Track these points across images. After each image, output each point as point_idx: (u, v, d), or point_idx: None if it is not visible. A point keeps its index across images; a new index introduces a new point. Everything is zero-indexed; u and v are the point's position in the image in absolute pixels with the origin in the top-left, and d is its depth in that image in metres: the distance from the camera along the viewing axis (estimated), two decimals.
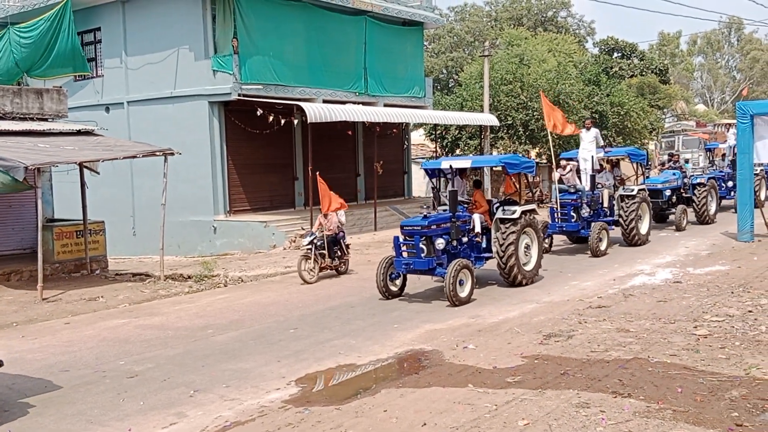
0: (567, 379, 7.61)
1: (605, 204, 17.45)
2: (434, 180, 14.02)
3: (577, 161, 18.37)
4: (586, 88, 34.35)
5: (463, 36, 55.55)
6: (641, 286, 12.62)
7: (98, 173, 17.40)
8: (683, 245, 17.44)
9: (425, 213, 12.29)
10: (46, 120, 16.86)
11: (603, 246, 16.09)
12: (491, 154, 28.85)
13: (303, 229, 19.85)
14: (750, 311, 10.29)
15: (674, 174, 21.42)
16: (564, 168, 18.07)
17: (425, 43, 37.03)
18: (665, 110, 50.87)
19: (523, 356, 8.58)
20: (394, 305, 11.88)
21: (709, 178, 21.79)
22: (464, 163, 13.64)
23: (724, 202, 23.71)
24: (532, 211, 13.25)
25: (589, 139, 18.05)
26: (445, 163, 13.58)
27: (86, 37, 24.01)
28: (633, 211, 17.03)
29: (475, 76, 33.52)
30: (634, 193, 17.32)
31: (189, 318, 11.85)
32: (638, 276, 13.67)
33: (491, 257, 12.95)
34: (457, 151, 32.89)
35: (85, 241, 16.72)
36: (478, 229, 12.89)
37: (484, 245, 13.11)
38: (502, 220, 12.60)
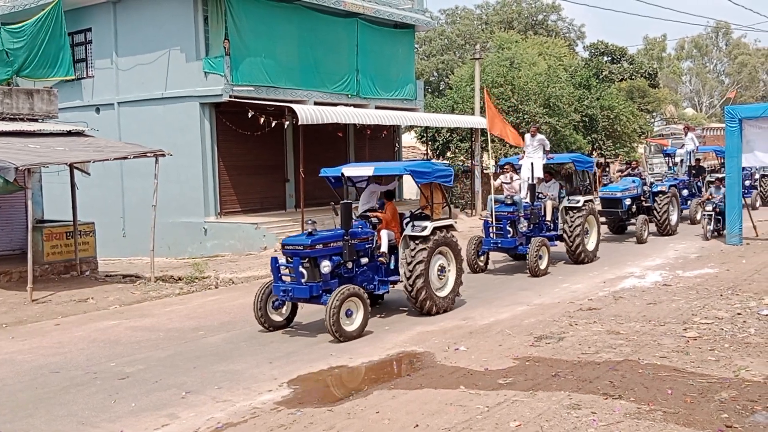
0: (558, 381, 7.65)
1: (548, 217, 15.74)
2: (339, 190, 12.39)
3: (519, 169, 16.52)
4: (576, 92, 34.51)
5: (453, 39, 55.67)
6: (631, 289, 12.70)
7: (89, 174, 17.32)
8: (672, 248, 17.58)
9: (310, 229, 10.31)
10: (36, 120, 16.79)
11: (543, 264, 14.40)
12: (482, 156, 28.90)
13: (291, 232, 19.84)
14: (739, 314, 10.39)
15: (634, 182, 20.06)
16: (506, 175, 16.05)
17: (416, 45, 37.07)
18: (654, 114, 51.17)
19: (515, 358, 8.62)
20: (385, 306, 11.89)
21: (670, 186, 20.72)
22: (365, 171, 11.79)
23: (684, 212, 22.42)
24: (449, 227, 11.57)
25: (534, 146, 16.33)
26: (346, 171, 11.84)
27: (77, 37, 23.91)
28: (578, 225, 15.30)
29: (466, 79, 33.61)
30: (579, 204, 15.56)
31: (180, 319, 11.83)
32: (628, 278, 13.76)
33: (400, 281, 11.16)
34: (448, 154, 32.96)
35: (75, 243, 16.64)
36: (384, 248, 11.17)
37: (392, 266, 11.34)
38: (412, 238, 11.04)
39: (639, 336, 9.38)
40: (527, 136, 16.77)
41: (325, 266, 10.11)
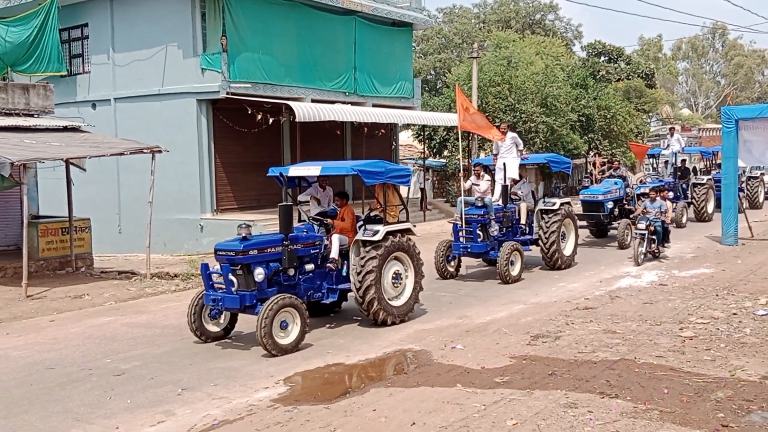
0: (555, 380, 7.65)
1: (523, 220, 14.89)
2: (290, 191, 11.61)
3: (493, 170, 15.47)
4: (573, 91, 34.56)
5: (451, 37, 55.68)
6: (627, 288, 12.72)
7: (85, 170, 17.26)
8: (669, 247, 17.58)
9: (244, 233, 9.50)
10: (32, 116, 16.72)
11: (515, 271, 13.60)
12: (478, 156, 28.90)
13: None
14: (734, 314, 10.41)
15: (616, 183, 19.12)
16: (478, 176, 14.96)
17: (414, 43, 37.07)
18: (651, 114, 51.26)
19: (511, 357, 8.62)
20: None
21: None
22: (312, 170, 10.86)
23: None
24: (406, 231, 10.80)
25: (507, 146, 15.23)
26: (293, 170, 11.00)
27: (73, 33, 23.85)
28: (554, 228, 14.57)
29: (464, 78, 33.61)
30: (555, 207, 14.79)
31: (176, 316, 11.77)
32: (624, 278, 13.78)
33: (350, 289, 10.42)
34: (445, 152, 32.96)
35: (70, 238, 16.59)
36: (335, 253, 10.37)
37: (345, 273, 10.55)
38: (363, 243, 10.25)
39: (635, 335, 9.39)
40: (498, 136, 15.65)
41: (259, 274, 9.34)
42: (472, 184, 14.89)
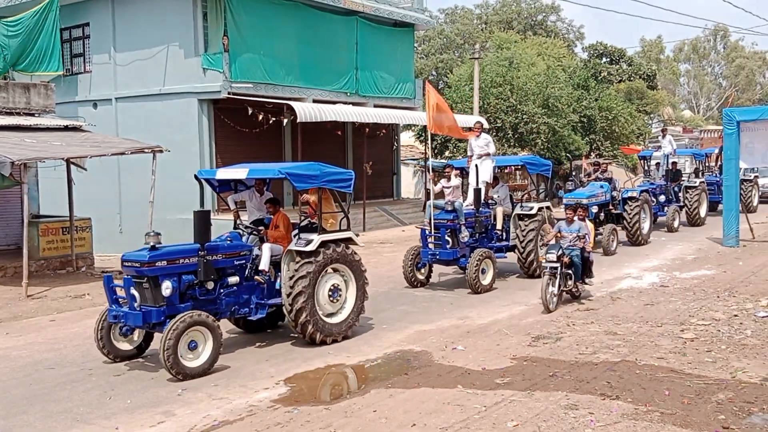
0: (556, 381, 7.64)
1: (499, 225, 14.07)
2: (223, 194, 10.87)
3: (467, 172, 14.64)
4: (574, 93, 34.51)
5: (453, 38, 55.64)
6: (628, 290, 12.70)
7: (85, 169, 17.26)
8: (670, 249, 17.58)
9: (152, 242, 8.60)
10: (33, 115, 16.72)
11: (486, 279, 12.76)
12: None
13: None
14: (735, 315, 10.39)
15: (602, 187, 18.09)
16: (449, 179, 13.93)
17: (415, 44, 37.09)
18: (652, 115, 51.22)
19: (512, 358, 8.61)
20: (382, 305, 11.86)
21: (641, 192, 18.80)
22: (239, 173, 10.02)
23: (660, 219, 21.07)
24: (347, 240, 9.90)
25: (480, 147, 14.47)
26: (220, 173, 10.14)
27: (75, 32, 23.84)
28: (531, 236, 13.74)
29: (465, 79, 33.60)
30: (533, 212, 13.95)
31: None
32: (625, 279, 13.77)
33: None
34: (446, 153, 32.94)
35: (71, 238, 16.58)
36: (264, 265, 9.45)
37: (279, 286, 9.60)
38: (297, 254, 9.32)
39: (636, 337, 9.37)
40: (471, 137, 14.86)
41: (167, 288, 8.40)
42: (443, 187, 13.92)
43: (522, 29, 52.57)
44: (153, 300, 8.48)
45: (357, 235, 10.39)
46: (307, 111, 20.04)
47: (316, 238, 9.32)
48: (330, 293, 9.58)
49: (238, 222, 10.23)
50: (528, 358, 8.59)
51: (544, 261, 11.17)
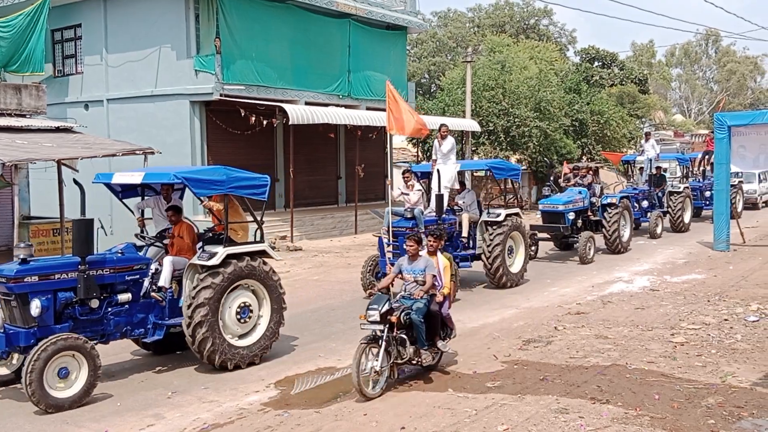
0: (546, 385, 7.65)
1: (464, 233, 13.38)
2: (141, 201, 10.12)
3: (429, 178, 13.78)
4: (566, 96, 34.62)
5: (445, 41, 55.74)
6: (619, 293, 12.73)
7: (77, 171, 17.16)
8: (660, 253, 17.65)
9: (23, 255, 7.73)
10: (24, 116, 16.67)
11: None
12: (472, 159, 28.92)
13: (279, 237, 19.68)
14: (726, 320, 10.44)
15: (580, 193, 17.34)
16: (408, 184, 13.32)
17: (408, 47, 37.11)
18: (644, 119, 51.43)
19: (503, 361, 8.62)
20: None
21: (621, 198, 18.14)
22: (133, 177, 9.01)
23: (643, 225, 20.80)
24: (259, 254, 8.94)
25: (446, 151, 13.84)
26: (116, 177, 9.18)
27: (66, 33, 23.75)
28: (498, 242, 13.07)
29: (458, 82, 33.64)
30: (500, 219, 13.32)
31: None
32: (616, 283, 13.80)
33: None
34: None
35: (61, 239, 16.50)
36: (164, 281, 8.60)
37: (181, 304, 8.57)
38: (200, 269, 8.42)
39: (627, 341, 9.40)
40: (435, 141, 14.28)
41: (36, 307, 7.45)
42: (402, 193, 13.35)
43: (514, 33, 52.71)
44: (22, 320, 7.57)
45: (273, 248, 9.41)
46: (299, 113, 20.02)
47: (221, 251, 8.42)
48: (239, 313, 8.64)
49: (142, 232, 9.54)
50: (519, 361, 8.60)
51: (362, 321, 7.64)
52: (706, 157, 25.63)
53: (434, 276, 8.05)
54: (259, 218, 9.27)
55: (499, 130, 30.95)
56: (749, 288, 12.81)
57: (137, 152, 15.53)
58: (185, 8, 21.01)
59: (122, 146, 16.23)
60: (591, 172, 19.70)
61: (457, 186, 13.87)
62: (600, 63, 44.26)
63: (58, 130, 16.71)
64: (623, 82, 43.63)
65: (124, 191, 9.85)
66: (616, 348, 9.05)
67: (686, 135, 52.42)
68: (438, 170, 12.99)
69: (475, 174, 27.33)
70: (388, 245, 12.35)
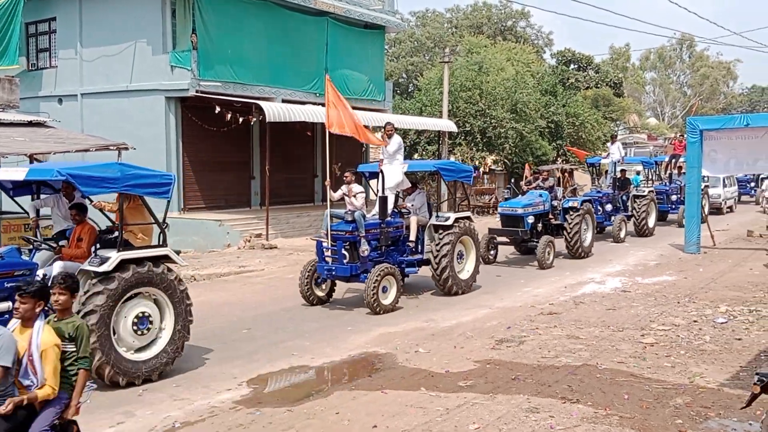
0: (518, 384, 7.71)
1: (412, 237, 12.64)
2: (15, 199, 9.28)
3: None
4: (542, 98, 34.92)
5: (423, 41, 55.85)
6: (591, 294, 12.86)
7: None
8: (632, 254, 17.86)
9: None
10: None
11: (387, 299, 11.36)
12: (448, 159, 29.02)
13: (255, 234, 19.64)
14: (695, 321, 10.59)
15: (541, 196, 16.89)
16: (350, 183, 12.58)
17: (386, 46, 37.13)
18: (618, 122, 51.99)
19: (476, 361, 8.66)
20: (347, 310, 11.86)
21: (583, 201, 17.64)
22: (16, 174, 7.99)
23: (607, 229, 20.63)
24: (161, 259, 8.22)
25: (392, 150, 13.02)
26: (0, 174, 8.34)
27: (41, 26, 23.44)
28: (445, 247, 12.41)
29: (435, 82, 33.76)
30: (449, 222, 12.68)
31: None
32: (588, 284, 13.94)
33: None
34: (416, 156, 33.06)
35: (33, 235, 16.28)
36: None
37: None
38: (93, 275, 7.71)
39: (598, 341, 9.50)
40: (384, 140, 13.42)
41: None
42: (343, 194, 12.59)
43: (492, 34, 52.97)
44: None
45: (178, 253, 8.72)
46: (275, 111, 19.94)
47: (114, 256, 7.69)
48: (135, 324, 7.87)
49: (35, 234, 8.70)
50: (491, 361, 8.65)
51: None
52: (673, 160, 25.76)
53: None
54: (161, 220, 8.51)
55: (476, 131, 31.13)
56: (718, 290, 13.02)
57: (111, 148, 15.38)
58: (161, 3, 20.83)
59: (95, 141, 16.06)
60: (566, 174, 19.82)
61: (405, 186, 13.16)
62: (576, 66, 44.69)
63: (30, 124, 16.49)
64: (598, 85, 44.09)
65: (16, 189, 8.99)
66: (587, 348, 9.14)
67: (659, 138, 53.09)
68: (382, 171, 12.31)
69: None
70: (327, 249, 11.75)
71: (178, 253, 9.61)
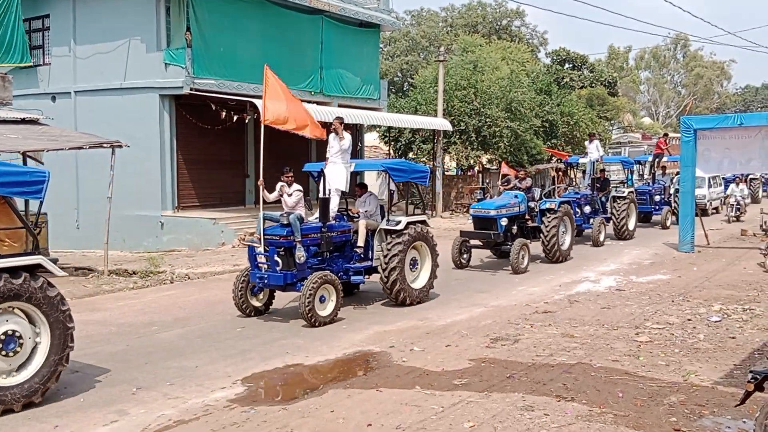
0: (513, 383, 7.71)
1: (360, 242, 11.69)
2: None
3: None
4: (537, 97, 34.91)
5: (418, 40, 55.86)
6: (586, 293, 12.88)
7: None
8: (627, 253, 17.89)
9: None
10: None
11: (325, 310, 10.46)
12: (443, 158, 29.04)
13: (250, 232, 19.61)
14: (689, 319, 10.61)
15: (516, 197, 16.06)
16: (290, 184, 11.43)
17: (381, 45, 37.11)
18: (613, 122, 52.05)
19: (470, 359, 8.66)
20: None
21: (561, 203, 16.84)
22: None
23: (586, 231, 19.70)
24: (35, 269, 7.19)
25: (341, 148, 12.11)
26: None
27: (34, 24, 23.34)
28: (395, 254, 11.36)
29: (430, 81, 33.74)
30: (400, 227, 11.59)
31: (133, 314, 11.62)
32: (583, 283, 13.96)
33: None
34: (410, 155, 33.05)
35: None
36: None
37: None
38: None
39: (592, 339, 9.51)
40: (331, 135, 12.28)
41: None
42: (279, 194, 11.44)
43: (487, 33, 52.98)
44: None
45: (56, 261, 7.84)
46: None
47: None
48: (2, 343, 6.90)
49: None
50: (486, 359, 8.65)
51: None
52: (656, 160, 25.15)
53: None
54: (31, 224, 7.57)
55: (471, 130, 31.11)
56: (712, 289, 13.05)
57: (104, 145, 15.31)
58: (156, 1, 20.77)
59: (89, 139, 15.98)
60: (561, 173, 19.77)
61: (342, 188, 12.11)
62: (570, 65, 44.72)
63: (24, 121, 16.40)
64: (593, 85, 44.14)
65: None
66: (581, 347, 9.15)
67: (654, 137, 53.20)
68: (323, 171, 11.63)
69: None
70: (260, 255, 10.69)
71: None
